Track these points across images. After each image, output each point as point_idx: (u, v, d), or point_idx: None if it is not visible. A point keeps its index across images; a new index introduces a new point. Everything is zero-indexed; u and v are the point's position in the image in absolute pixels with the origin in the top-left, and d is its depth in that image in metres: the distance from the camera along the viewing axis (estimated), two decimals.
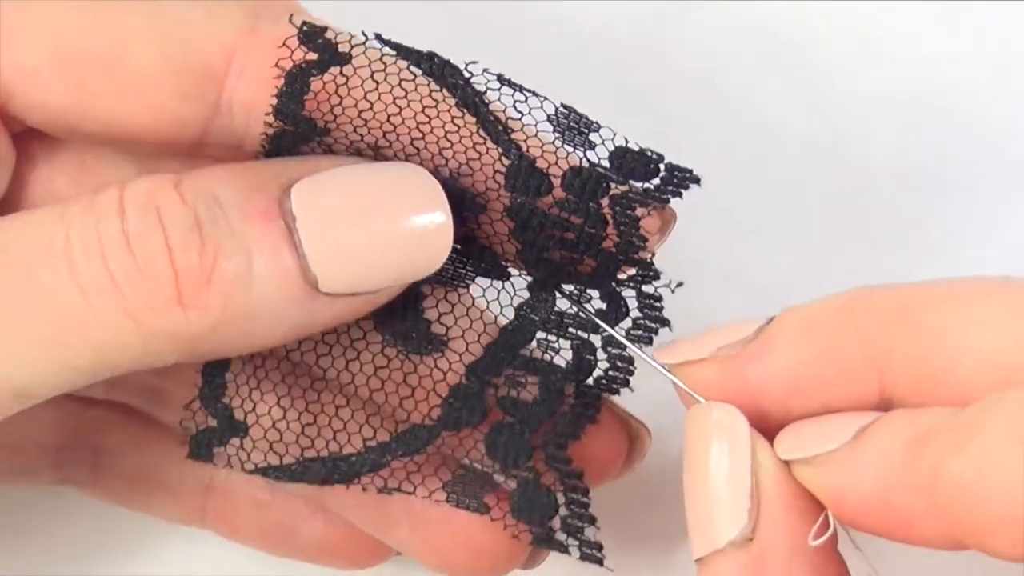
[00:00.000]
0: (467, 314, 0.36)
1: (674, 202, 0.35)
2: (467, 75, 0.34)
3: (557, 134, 0.34)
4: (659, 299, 0.35)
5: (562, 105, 0.34)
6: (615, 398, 0.37)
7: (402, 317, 0.36)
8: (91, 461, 0.40)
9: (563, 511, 0.35)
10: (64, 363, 0.32)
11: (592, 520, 0.35)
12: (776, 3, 0.47)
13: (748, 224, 0.46)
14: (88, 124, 0.34)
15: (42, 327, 0.32)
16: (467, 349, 0.36)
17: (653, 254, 0.35)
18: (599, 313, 0.35)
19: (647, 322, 0.35)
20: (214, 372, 0.36)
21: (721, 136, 0.47)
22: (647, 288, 0.35)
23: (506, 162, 0.34)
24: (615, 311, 0.35)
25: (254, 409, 0.36)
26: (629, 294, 0.36)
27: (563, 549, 0.36)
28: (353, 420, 0.36)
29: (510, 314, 0.36)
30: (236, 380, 0.36)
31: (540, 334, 0.36)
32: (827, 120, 0.47)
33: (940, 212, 0.46)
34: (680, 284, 0.35)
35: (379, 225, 0.33)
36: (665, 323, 0.35)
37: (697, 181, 0.34)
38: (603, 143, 0.34)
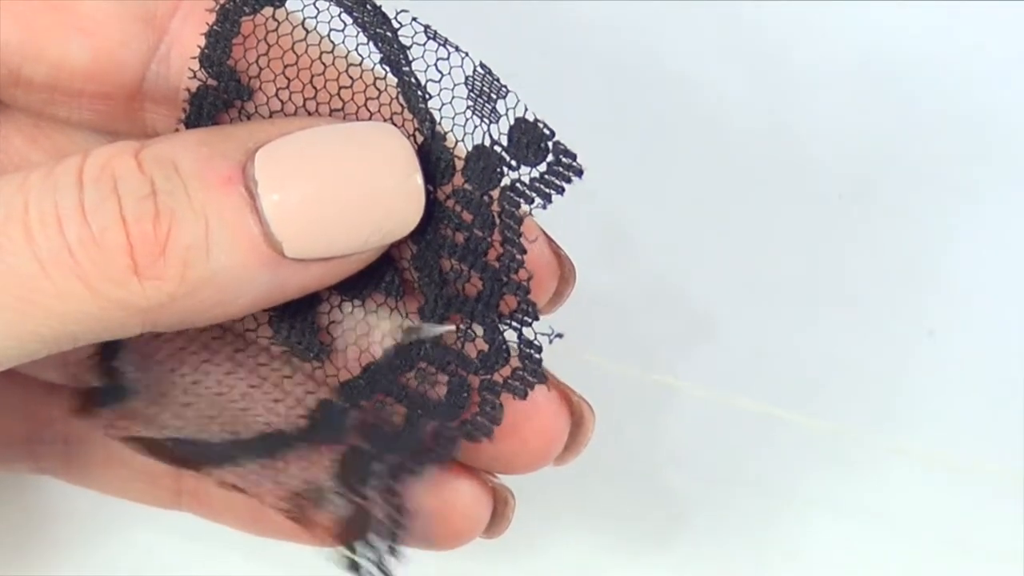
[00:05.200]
0: (355, 328, 0.35)
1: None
2: (396, 25, 0.33)
3: (470, 101, 0.33)
4: (540, 349, 0.34)
5: (480, 64, 0.33)
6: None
7: (296, 318, 0.35)
8: (63, 449, 0.40)
9: (384, 547, 0.35)
10: (25, 331, 0.31)
11: (400, 560, 0.35)
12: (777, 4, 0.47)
13: (742, 222, 0.46)
14: (29, 67, 0.34)
15: (2, 294, 0.31)
16: (345, 366, 0.35)
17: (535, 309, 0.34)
18: (481, 355, 0.34)
19: (526, 375, 0.34)
20: None
21: (714, 136, 0.47)
22: (528, 333, 0.34)
23: (419, 139, 0.33)
24: (497, 355, 0.34)
25: (142, 378, 0.36)
26: (513, 337, 0.34)
27: None
28: (227, 410, 0.36)
29: (398, 336, 0.35)
30: (132, 346, 0.36)
31: (422, 363, 0.34)
32: (825, 119, 0.46)
33: (940, 211, 0.46)
34: (560, 335, 0.34)
35: (345, 189, 0.32)
36: (543, 381, 0.34)
37: (580, 173, 0.33)
38: (507, 113, 0.33)
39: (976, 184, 0.46)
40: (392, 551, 0.35)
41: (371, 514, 0.35)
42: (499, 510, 0.36)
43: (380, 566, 0.35)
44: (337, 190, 0.32)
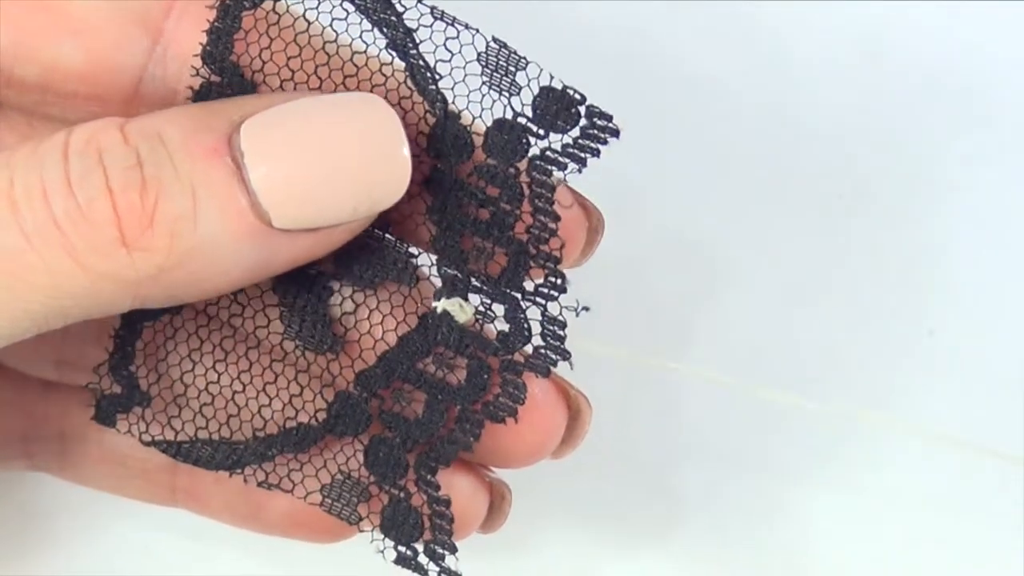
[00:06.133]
0: (368, 318, 0.35)
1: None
2: (400, 9, 0.33)
3: (485, 77, 0.33)
4: (563, 326, 0.34)
5: (493, 39, 0.33)
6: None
7: (307, 311, 0.35)
8: (58, 446, 0.39)
9: (428, 535, 0.35)
10: (15, 307, 0.31)
11: (453, 549, 0.35)
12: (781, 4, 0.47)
13: (742, 222, 0.46)
14: (21, 68, 0.34)
15: None
16: (360, 355, 0.35)
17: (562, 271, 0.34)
18: (500, 336, 0.34)
19: (548, 352, 0.34)
20: (125, 339, 0.36)
21: (714, 136, 0.46)
22: (552, 308, 0.34)
23: (431, 120, 0.33)
24: (518, 335, 0.34)
25: (158, 381, 0.36)
26: (534, 315, 0.34)
27: (423, 573, 0.35)
28: (247, 408, 0.36)
29: (413, 322, 0.35)
30: (145, 350, 0.36)
31: (439, 348, 0.34)
32: (825, 119, 0.46)
33: (940, 211, 0.46)
34: (586, 308, 0.34)
35: (332, 159, 0.32)
36: (566, 357, 0.34)
37: (616, 134, 0.33)
38: (528, 84, 0.33)
39: (976, 184, 0.46)
40: (440, 542, 0.35)
41: (412, 505, 0.35)
42: (496, 505, 0.36)
43: (432, 558, 0.35)
44: (324, 160, 0.32)
